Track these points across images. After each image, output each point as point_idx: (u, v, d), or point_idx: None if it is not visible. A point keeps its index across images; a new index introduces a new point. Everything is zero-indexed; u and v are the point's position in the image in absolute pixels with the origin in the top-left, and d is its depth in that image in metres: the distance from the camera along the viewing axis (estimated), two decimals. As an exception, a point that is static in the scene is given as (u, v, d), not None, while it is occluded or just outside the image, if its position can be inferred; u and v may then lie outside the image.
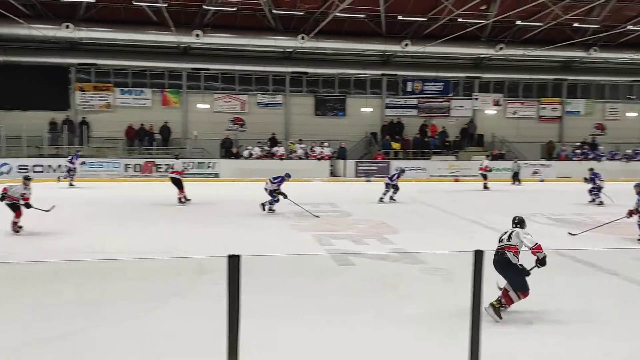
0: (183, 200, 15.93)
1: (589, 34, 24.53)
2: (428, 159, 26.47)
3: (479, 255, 2.74)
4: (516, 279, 6.00)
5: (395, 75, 28.02)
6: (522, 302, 5.99)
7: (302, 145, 26.08)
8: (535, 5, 22.12)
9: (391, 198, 17.03)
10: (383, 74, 27.91)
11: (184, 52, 26.07)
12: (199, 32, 22.95)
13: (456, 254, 8.33)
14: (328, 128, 27.46)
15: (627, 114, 30.16)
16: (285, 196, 14.09)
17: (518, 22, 24.10)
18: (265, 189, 14.29)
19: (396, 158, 26.50)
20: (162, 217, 13.54)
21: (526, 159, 26.65)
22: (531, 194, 20.36)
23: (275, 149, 25.73)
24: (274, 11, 23.28)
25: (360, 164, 25.64)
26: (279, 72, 27.24)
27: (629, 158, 27.32)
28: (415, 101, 28.43)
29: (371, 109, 28.27)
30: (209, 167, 24.46)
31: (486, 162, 22.40)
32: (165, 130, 26.08)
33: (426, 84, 28.28)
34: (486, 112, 28.93)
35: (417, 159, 26.47)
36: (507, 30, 25.18)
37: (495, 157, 26.44)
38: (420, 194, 19.31)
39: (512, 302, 6.04)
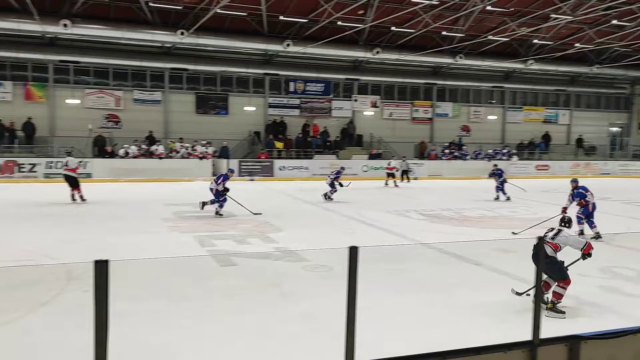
0: (77, 198, 15.17)
1: (456, 42, 26.49)
2: (310, 158, 26.96)
3: (353, 251, 2.82)
4: (556, 271, 6.28)
5: (277, 74, 28.18)
6: (396, 297, 6.30)
7: (183, 144, 25.31)
8: (407, 12, 23.46)
9: (328, 197, 17.28)
10: (266, 73, 27.95)
11: (50, 43, 24.10)
12: (67, 22, 21.34)
13: (335, 251, 8.58)
14: (210, 126, 26.93)
15: (489, 117, 33.01)
16: (227, 190, 13.53)
17: (393, 28, 25.37)
18: (211, 189, 13.66)
19: (280, 157, 26.68)
20: (27, 221, 12.39)
21: (395, 157, 28.12)
22: (405, 190, 21.53)
23: (154, 147, 24.69)
24: (150, 4, 22.32)
25: (243, 163, 25.46)
26: (157, 67, 26.19)
27: (490, 157, 29.91)
28: (297, 101, 28.81)
29: (254, 108, 28.19)
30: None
31: (393, 163, 23.85)
32: (29, 126, 23.92)
33: (308, 84, 28.78)
34: (365, 113, 30.12)
35: (300, 158, 26.86)
36: (383, 35, 26.40)
37: (372, 157, 27.64)
38: (303, 192, 19.61)
39: (560, 295, 6.29)
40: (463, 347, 3.31)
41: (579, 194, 11.74)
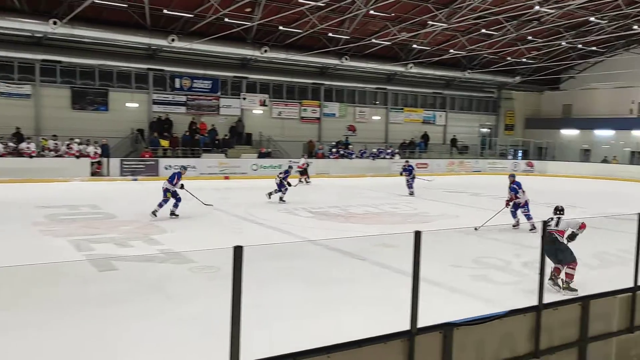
0: None
1: (341, 44, 27.24)
2: (198, 156, 26.30)
3: (238, 251, 2.78)
4: (568, 256, 7.16)
5: (162, 70, 27.11)
6: (298, 292, 6.33)
7: (57, 142, 23.50)
8: (294, 13, 23.71)
9: (280, 198, 16.91)
10: (149, 69, 26.78)
11: None
12: None
13: (223, 251, 8.45)
14: (88, 123, 25.23)
15: (373, 117, 34.34)
16: (182, 186, 13.41)
17: (281, 28, 25.51)
18: (166, 190, 13.18)
19: (165, 156, 25.72)
20: None
21: (290, 156, 28.35)
22: (296, 189, 21.71)
23: (23, 145, 22.66)
24: (18, -11, 20.47)
25: (125, 162, 24.19)
26: (26, 59, 24.03)
27: (375, 156, 31.15)
28: (184, 98, 27.95)
29: (137, 105, 26.88)
30: None
31: (303, 160, 24.16)
32: None
33: (195, 81, 28.03)
34: (254, 111, 29.97)
35: (187, 156, 26.10)
36: (271, 34, 26.44)
37: (262, 155, 27.60)
38: (190, 191, 19.05)
39: (572, 275, 7.16)
40: (347, 340, 3.41)
41: (512, 188, 12.66)
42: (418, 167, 31.66)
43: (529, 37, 29.48)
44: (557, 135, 37.13)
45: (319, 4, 22.33)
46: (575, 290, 7.06)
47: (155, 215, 12.85)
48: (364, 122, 33.88)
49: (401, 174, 20.45)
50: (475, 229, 11.54)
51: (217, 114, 28.89)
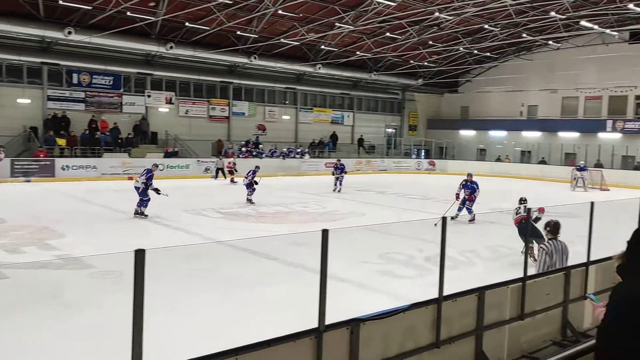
0: None
1: (250, 43, 27.03)
2: (99, 156, 24.96)
3: (140, 255, 2.67)
4: (540, 235, 7.66)
5: (58, 64, 25.42)
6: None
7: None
8: (201, 9, 23.21)
9: (248, 200, 16.66)
10: (43, 63, 25.01)
11: None
12: None
13: (127, 254, 8.09)
14: (-27, 120, 23.16)
15: (283, 117, 34.42)
16: (157, 191, 13.47)
17: (187, 24, 24.85)
18: (137, 188, 13.14)
19: (62, 155, 24.17)
20: None
21: (198, 156, 27.74)
22: (204, 189, 21.29)
23: None
24: None
25: (17, 163, 22.45)
26: None
27: (285, 155, 31.24)
28: (82, 94, 26.39)
29: (29, 101, 25.01)
30: None
31: (229, 159, 24.24)
32: None
33: (95, 76, 26.56)
34: (159, 109, 28.96)
35: (87, 156, 24.69)
36: (177, 30, 25.68)
37: (168, 155, 26.74)
38: (91, 194, 18.10)
39: None
40: (258, 340, 3.38)
41: (471, 187, 14.12)
42: (327, 167, 32.23)
43: (430, 42, 30.90)
44: (456, 136, 39.25)
45: (227, 1, 22.00)
46: (536, 260, 8.64)
47: (146, 215, 13.15)
48: (274, 121, 33.87)
49: (333, 174, 21.80)
50: (435, 225, 12.62)
51: (119, 111, 27.59)
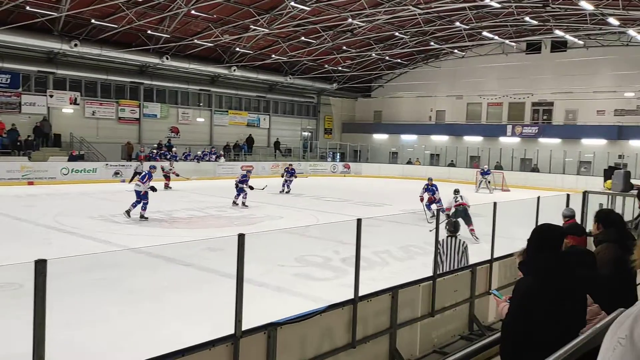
0: None
1: (162, 43, 26.20)
2: (-6, 160, 23.12)
3: (40, 265, 2.50)
4: (471, 220, 11.96)
5: (-54, 60, 23.32)
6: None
7: None
8: (109, 6, 22.20)
9: (243, 203, 17.15)
10: None
11: None
12: None
13: (25, 266, 7.55)
14: None
15: (197, 119, 33.66)
16: (154, 189, 14.29)
17: (93, 21, 23.66)
18: (137, 192, 13.86)
19: (-49, 159, 22.17)
20: None
21: (107, 159, 26.48)
22: (114, 195, 20.34)
23: None
24: None
25: None
26: None
27: (199, 159, 30.55)
28: (-25, 93, 24.35)
29: None
30: None
31: (167, 165, 23.92)
32: None
33: (-11, 74, 24.61)
34: (63, 110, 27.30)
35: (-20, 160, 22.80)
36: (82, 27, 24.36)
37: (73, 159, 25.29)
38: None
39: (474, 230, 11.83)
40: (171, 350, 3.28)
41: (431, 189, 15.96)
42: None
43: (344, 47, 31.53)
44: (370, 139, 40.29)
45: (137, -1, 21.22)
46: (478, 238, 11.09)
47: (146, 218, 13.46)
48: (188, 123, 33.06)
49: (282, 175, 23.53)
50: (431, 231, 14.01)
51: (18, 112, 25.71)
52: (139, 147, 29.24)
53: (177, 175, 23.67)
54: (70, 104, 27.42)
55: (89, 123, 28.25)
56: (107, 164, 26.00)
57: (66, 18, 22.88)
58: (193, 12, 23.51)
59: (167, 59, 27.90)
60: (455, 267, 6.55)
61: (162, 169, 23.44)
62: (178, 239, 11.30)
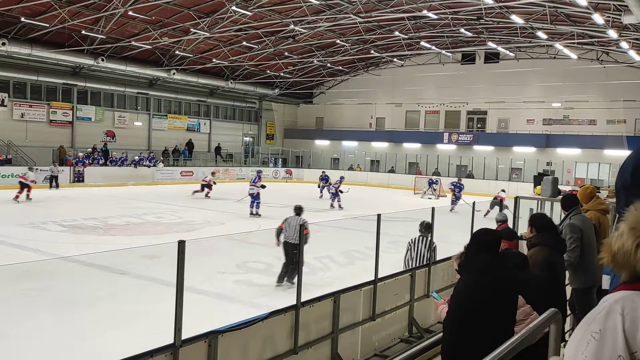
0: None
1: (97, 43, 25.29)
2: None
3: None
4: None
5: None
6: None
7: None
8: (40, 4, 21.26)
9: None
10: None
11: None
12: None
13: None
14: None
15: (135, 123, 32.68)
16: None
17: (23, 19, 22.54)
18: (251, 194, 15.98)
19: None
20: None
21: (36, 164, 25.19)
22: (42, 201, 19.40)
23: None
24: None
25: None
26: None
27: (136, 164, 29.65)
28: None
29: None
30: None
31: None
32: None
33: None
34: (-11, 112, 25.83)
35: None
36: (11, 25, 23.16)
37: (0, 163, 23.94)
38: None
39: None
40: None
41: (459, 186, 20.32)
42: (183, 175, 31.35)
43: (286, 53, 31.56)
44: (312, 145, 40.48)
45: (70, -3, 20.40)
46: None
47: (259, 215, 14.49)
48: (125, 127, 32.03)
49: (319, 186, 24.46)
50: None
51: (-62, 113, 24.10)
52: (70, 152, 28.03)
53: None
54: (-3, 105, 25.94)
55: (18, 126, 26.85)
56: (37, 169, 24.73)
57: (-7, 15, 21.71)
58: (130, 13, 22.87)
59: (102, 60, 26.97)
60: (425, 263, 6.72)
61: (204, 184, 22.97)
62: (113, 247, 10.92)
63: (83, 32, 24.46)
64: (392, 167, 36.24)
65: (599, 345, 1.25)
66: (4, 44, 23.00)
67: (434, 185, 28.04)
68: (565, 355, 1.32)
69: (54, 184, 23.85)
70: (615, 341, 1.25)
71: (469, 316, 2.71)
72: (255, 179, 17.79)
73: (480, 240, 2.96)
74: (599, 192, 8.69)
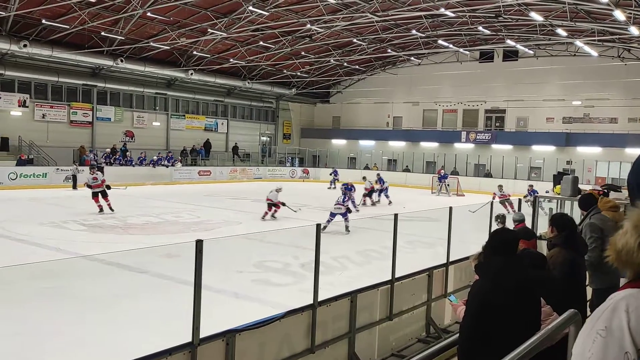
0: None
1: (116, 45, 25.60)
2: (-64, 164, 22.02)
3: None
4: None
5: None
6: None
7: None
8: (60, 6, 21.55)
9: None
10: None
11: None
12: None
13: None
14: None
15: (153, 123, 33.00)
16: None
17: (44, 21, 22.89)
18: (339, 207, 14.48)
19: None
20: None
21: (57, 164, 25.61)
22: (63, 200, 19.70)
23: None
24: None
25: None
26: None
27: (155, 163, 29.93)
28: None
29: None
30: None
31: (368, 184, 22.44)
32: None
33: None
34: (12, 113, 26.26)
35: None
36: (32, 27, 23.55)
37: (22, 163, 24.36)
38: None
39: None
40: (129, 359, 3.20)
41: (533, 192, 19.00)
42: (200, 175, 31.55)
43: (303, 53, 31.59)
44: (329, 145, 40.47)
45: (90, -1, 20.67)
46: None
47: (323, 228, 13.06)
48: (143, 127, 32.36)
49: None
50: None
51: (-38, 114, 24.62)
52: (89, 151, 28.40)
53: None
54: (19, 106, 26.42)
55: (39, 126, 27.30)
56: (57, 169, 25.15)
57: (15, 18, 22.08)
58: (149, 14, 23.09)
59: (121, 61, 27.26)
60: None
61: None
62: (132, 246, 11.04)
63: (102, 33, 24.79)
64: (407, 166, 36.04)
65: (605, 343, 1.27)
66: (25, 45, 23.37)
67: (444, 180, 27.83)
68: (573, 353, 1.33)
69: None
70: (621, 338, 1.26)
71: (485, 317, 2.69)
72: (344, 198, 15.15)
73: (498, 240, 2.93)
74: (620, 191, 8.55)
